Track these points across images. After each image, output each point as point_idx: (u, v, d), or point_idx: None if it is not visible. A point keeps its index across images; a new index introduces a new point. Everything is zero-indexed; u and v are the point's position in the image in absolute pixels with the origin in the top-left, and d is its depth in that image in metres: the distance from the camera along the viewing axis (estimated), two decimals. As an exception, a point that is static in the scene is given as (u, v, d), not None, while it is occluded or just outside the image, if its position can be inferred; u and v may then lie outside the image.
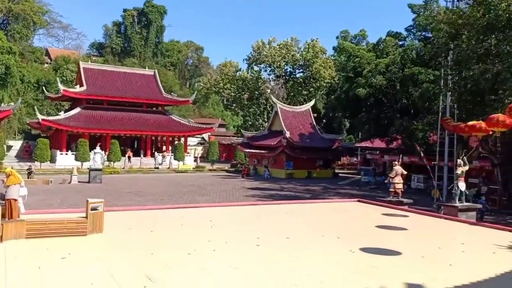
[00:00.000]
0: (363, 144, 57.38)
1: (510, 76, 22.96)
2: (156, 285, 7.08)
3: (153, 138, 62.43)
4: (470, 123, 17.74)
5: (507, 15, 24.78)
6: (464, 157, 17.46)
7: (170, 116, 62.61)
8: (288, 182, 44.76)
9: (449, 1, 32.76)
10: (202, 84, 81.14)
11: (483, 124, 16.66)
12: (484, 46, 26.66)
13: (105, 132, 55.36)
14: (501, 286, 8.16)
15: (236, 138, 66.78)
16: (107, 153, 49.72)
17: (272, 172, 50.48)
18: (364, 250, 10.09)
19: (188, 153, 62.10)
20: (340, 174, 55.32)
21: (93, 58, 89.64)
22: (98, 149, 40.50)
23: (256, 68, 71.56)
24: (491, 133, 17.86)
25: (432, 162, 33.31)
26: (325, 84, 67.07)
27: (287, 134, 49.20)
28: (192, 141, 73.30)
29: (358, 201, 19.41)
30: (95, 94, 57.52)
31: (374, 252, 9.94)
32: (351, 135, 66.55)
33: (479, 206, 18.68)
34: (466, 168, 17.20)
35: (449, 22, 28.63)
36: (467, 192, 18.22)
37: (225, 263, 8.64)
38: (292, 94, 68.82)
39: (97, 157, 39.53)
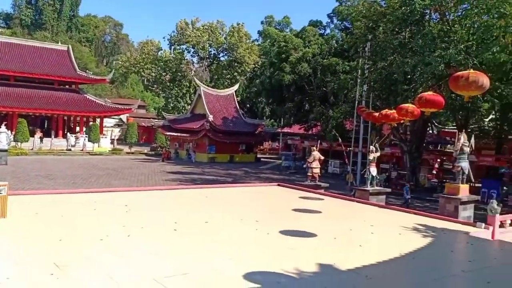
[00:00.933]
0: (285, 129, 58.81)
1: (425, 67, 24.65)
2: (64, 273, 6.67)
3: (65, 118, 58.65)
4: (383, 112, 18.85)
5: (420, 9, 26.55)
6: (376, 144, 18.55)
7: (85, 95, 59.17)
8: (210, 166, 44.65)
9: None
10: (120, 63, 77.57)
11: (394, 113, 17.78)
12: (399, 39, 28.40)
13: (11, 110, 51.00)
14: (405, 264, 8.84)
15: (156, 120, 64.85)
16: (13, 133, 45.86)
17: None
18: (282, 232, 10.36)
19: (104, 134, 59.31)
20: (262, 159, 56.33)
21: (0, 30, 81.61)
22: (3, 128, 37.27)
23: (179, 48, 69.88)
24: (401, 121, 19.14)
25: (348, 148, 35.12)
26: (249, 69, 67.47)
27: (210, 118, 48.91)
28: (108, 122, 70.10)
29: (278, 185, 19.90)
30: (0, 69, 52.57)
31: (291, 235, 10.25)
32: (274, 120, 67.88)
33: (388, 190, 20.02)
34: (378, 154, 18.30)
35: (367, 16, 30.08)
36: (378, 177, 19.43)
37: (139, 248, 8.38)
38: (216, 77, 68.38)
39: (2, 137, 36.36)
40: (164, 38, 69.11)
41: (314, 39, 46.20)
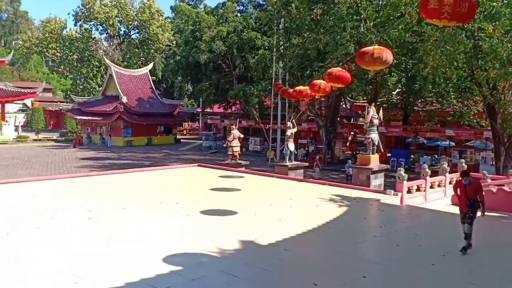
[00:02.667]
0: (205, 109, 58.32)
1: (335, 45, 25.58)
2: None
3: (-42, 105, 52.93)
4: (297, 88, 19.36)
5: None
6: (293, 120, 19.08)
7: (-20, 78, 53.69)
8: (127, 150, 43.07)
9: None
10: (21, 43, 71.18)
11: (307, 90, 18.33)
12: (311, 16, 29.12)
13: None
14: (321, 234, 9.27)
15: (65, 104, 60.67)
16: None
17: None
18: (203, 212, 10.35)
19: (7, 121, 54.55)
20: (182, 140, 55.50)
21: None
22: None
23: (86, 26, 65.63)
24: (316, 97, 19.81)
25: (267, 125, 35.78)
26: (163, 47, 65.41)
27: (124, 99, 46.88)
28: (11, 108, 64.24)
29: (198, 165, 19.78)
30: None
31: (212, 214, 10.27)
32: (193, 100, 66.94)
33: (306, 164, 20.76)
34: (295, 130, 18.84)
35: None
36: (296, 152, 20.03)
37: (47, 242, 7.88)
38: (128, 56, 65.41)
39: None
40: (69, 14, 64.29)
41: (232, 16, 45.88)
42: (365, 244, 8.84)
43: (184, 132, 67.01)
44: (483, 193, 8.23)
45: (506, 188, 13.67)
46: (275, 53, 33.65)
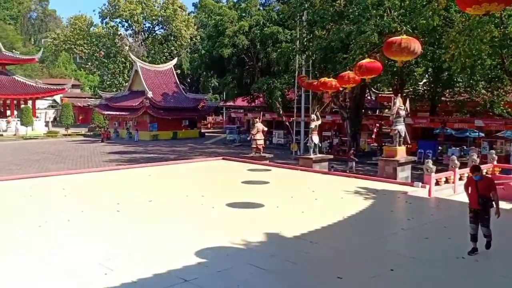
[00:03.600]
0: (229, 103, 58.49)
1: (359, 35, 25.16)
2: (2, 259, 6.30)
3: (-7, 102, 54.73)
4: (321, 80, 19.12)
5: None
6: (317, 112, 18.90)
7: (13, 76, 55.21)
8: (153, 144, 43.66)
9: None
10: (50, 41, 72.79)
11: (334, 82, 18.08)
12: (334, 7, 28.72)
13: None
14: (347, 227, 9.17)
15: (93, 99, 61.80)
16: None
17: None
18: (229, 205, 10.38)
19: (37, 117, 56.05)
20: (206, 134, 55.86)
21: None
22: None
23: (112, 23, 66.62)
24: (341, 89, 19.53)
25: (291, 118, 35.57)
26: (187, 43, 65.80)
27: (150, 94, 47.46)
28: (41, 104, 66.05)
29: (223, 158, 19.85)
30: None
31: (238, 207, 10.29)
32: (217, 94, 67.23)
33: (330, 156, 20.56)
34: (319, 122, 18.67)
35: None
36: (320, 145, 19.82)
37: (81, 232, 8.06)
38: (153, 52, 66.12)
39: None
40: (94, 12, 65.36)
41: (255, 10, 45.71)
42: (393, 237, 8.69)
43: (209, 126, 67.34)
44: (497, 191, 7.52)
45: (539, 179, 13.22)
46: (298, 46, 33.34)
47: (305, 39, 32.23)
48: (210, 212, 9.89)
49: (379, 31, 23.90)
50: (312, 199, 11.53)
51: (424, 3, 22.25)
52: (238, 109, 58.88)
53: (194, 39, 65.09)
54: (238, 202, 10.70)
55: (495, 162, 16.48)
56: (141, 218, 9.29)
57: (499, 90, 26.94)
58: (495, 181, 14.93)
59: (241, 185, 13.37)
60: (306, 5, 31.17)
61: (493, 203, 7.31)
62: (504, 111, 28.49)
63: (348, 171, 21.57)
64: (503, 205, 12.14)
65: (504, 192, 13.35)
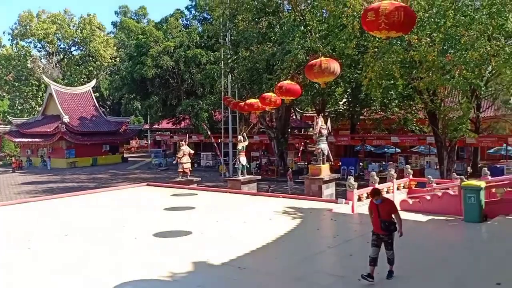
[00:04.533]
0: (153, 126, 57.27)
1: (284, 56, 25.98)
2: None
3: None
4: (248, 101, 19.43)
5: (278, 0, 27.89)
6: (244, 133, 19.10)
7: None
8: (71, 172, 41.31)
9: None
10: None
11: (258, 102, 18.45)
12: (258, 28, 29.49)
13: None
14: (276, 249, 9.24)
15: (2, 126, 57.66)
16: None
17: (51, 162, 45.71)
18: (155, 235, 10.03)
19: None
20: (129, 159, 54.05)
21: None
22: None
23: (23, 43, 62.87)
24: (266, 109, 19.96)
25: (219, 139, 35.64)
26: (107, 63, 63.85)
27: (66, 119, 45.09)
28: None
29: (147, 184, 19.28)
30: None
31: (163, 236, 9.98)
32: (140, 116, 65.59)
33: (259, 177, 20.75)
34: (246, 143, 18.86)
35: (224, 2, 30.61)
36: (248, 165, 19.98)
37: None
38: (69, 73, 63.20)
39: None
40: (4, 33, 61.25)
41: (176, 32, 45.52)
42: (320, 256, 8.90)
43: (132, 150, 65.44)
44: (398, 213, 7.35)
45: (450, 191, 14.29)
46: (223, 67, 33.70)
47: (230, 60, 32.68)
48: (132, 243, 9.49)
49: (305, 51, 24.87)
50: (241, 222, 11.52)
51: (341, 27, 23.61)
52: (164, 132, 57.91)
53: (114, 60, 63.30)
54: (162, 230, 10.39)
55: (411, 176, 17.63)
56: (54, 256, 8.67)
57: (412, 108, 29.09)
58: (412, 195, 16.02)
59: (166, 212, 13.03)
60: (230, 25, 31.74)
61: (395, 226, 7.10)
62: (417, 127, 30.77)
63: (290, 192, 21.88)
64: (419, 217, 13.04)
65: (420, 205, 14.31)
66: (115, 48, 63.96)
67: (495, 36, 18.50)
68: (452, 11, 18.38)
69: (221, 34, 34.14)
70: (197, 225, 11.09)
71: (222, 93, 33.88)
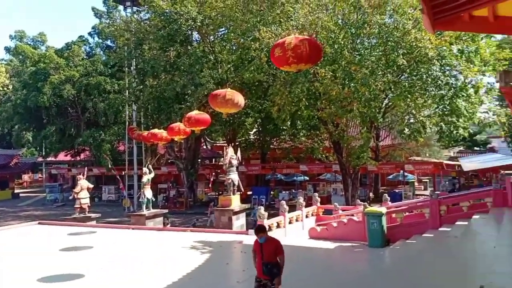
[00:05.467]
0: (49, 158, 53.36)
1: (194, 87, 25.83)
2: None
3: None
4: (153, 131, 18.90)
5: (185, 30, 27.85)
6: (149, 165, 18.43)
7: None
8: (-52, 212, 36.62)
9: (129, 12, 34.28)
10: None
11: (164, 133, 18.01)
12: (166, 57, 29.10)
13: None
14: (181, 287, 8.77)
15: None
16: None
17: None
18: (43, 280, 9.03)
19: None
20: (21, 195, 49.46)
21: None
22: None
23: None
24: (175, 139, 19.54)
25: (122, 172, 34.07)
26: (-4, 91, 58.78)
27: None
28: None
29: (39, 223, 17.63)
30: None
31: (53, 280, 9.02)
32: (34, 148, 60.78)
33: (165, 211, 20.02)
34: (152, 175, 18.18)
35: (129, 30, 30.01)
36: (154, 199, 19.20)
37: None
38: None
39: None
40: None
41: (79, 59, 43.44)
42: (229, 292, 8.61)
43: (25, 185, 60.27)
44: (284, 254, 6.38)
45: (355, 218, 14.92)
46: (128, 96, 32.61)
47: (136, 88, 31.75)
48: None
49: (216, 82, 25.01)
50: (144, 261, 10.85)
51: (250, 59, 24.26)
52: (61, 165, 54.19)
53: (5, 88, 58.47)
54: (50, 275, 9.39)
55: (318, 204, 18.18)
56: None
57: (318, 137, 30.44)
58: (320, 222, 16.47)
59: (59, 253, 11.89)
60: (135, 53, 31.02)
61: (279, 270, 6.28)
62: (324, 156, 32.23)
63: (208, 224, 21.23)
64: (327, 244, 13.37)
65: (327, 232, 14.73)
66: (7, 75, 59.20)
67: (389, 71, 20.19)
68: (347, 50, 19.86)
69: (126, 62, 33.20)
70: (91, 266, 10.22)
71: (127, 123, 32.67)
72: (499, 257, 6.53)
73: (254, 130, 36.72)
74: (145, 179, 17.57)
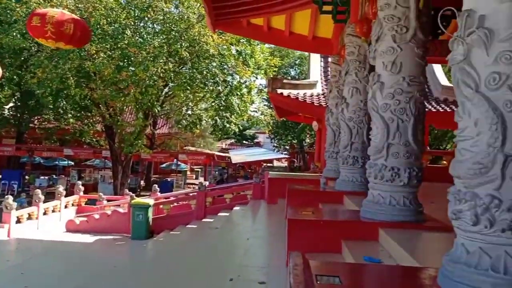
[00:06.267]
0: None
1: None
2: None
3: None
4: None
5: None
6: None
7: None
8: None
9: None
10: None
11: None
12: None
13: None
14: None
15: None
16: None
17: None
18: None
19: None
20: None
21: None
22: None
23: None
24: None
25: None
26: None
27: None
28: None
29: None
30: None
31: None
32: None
33: None
34: None
35: None
36: None
37: None
38: None
39: None
40: None
41: None
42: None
43: None
44: None
45: (120, 209, 14.40)
46: None
47: None
48: None
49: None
50: None
51: (12, 22, 21.07)
52: None
53: None
54: None
55: (81, 193, 16.84)
56: None
57: (89, 119, 28.50)
58: (81, 214, 15.34)
59: None
60: None
61: None
62: (94, 140, 30.46)
63: None
64: (86, 238, 12.56)
65: (88, 225, 13.82)
66: None
67: (171, 60, 20.33)
68: (130, 31, 19.21)
69: None
70: None
71: None
72: (250, 249, 7.09)
73: (11, 104, 32.04)
74: None
